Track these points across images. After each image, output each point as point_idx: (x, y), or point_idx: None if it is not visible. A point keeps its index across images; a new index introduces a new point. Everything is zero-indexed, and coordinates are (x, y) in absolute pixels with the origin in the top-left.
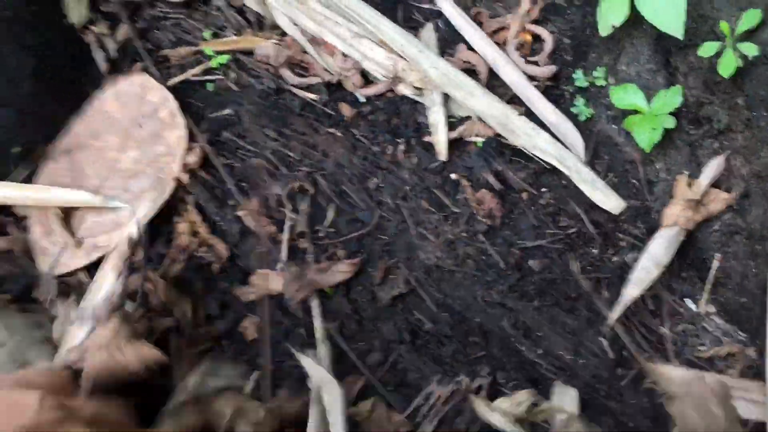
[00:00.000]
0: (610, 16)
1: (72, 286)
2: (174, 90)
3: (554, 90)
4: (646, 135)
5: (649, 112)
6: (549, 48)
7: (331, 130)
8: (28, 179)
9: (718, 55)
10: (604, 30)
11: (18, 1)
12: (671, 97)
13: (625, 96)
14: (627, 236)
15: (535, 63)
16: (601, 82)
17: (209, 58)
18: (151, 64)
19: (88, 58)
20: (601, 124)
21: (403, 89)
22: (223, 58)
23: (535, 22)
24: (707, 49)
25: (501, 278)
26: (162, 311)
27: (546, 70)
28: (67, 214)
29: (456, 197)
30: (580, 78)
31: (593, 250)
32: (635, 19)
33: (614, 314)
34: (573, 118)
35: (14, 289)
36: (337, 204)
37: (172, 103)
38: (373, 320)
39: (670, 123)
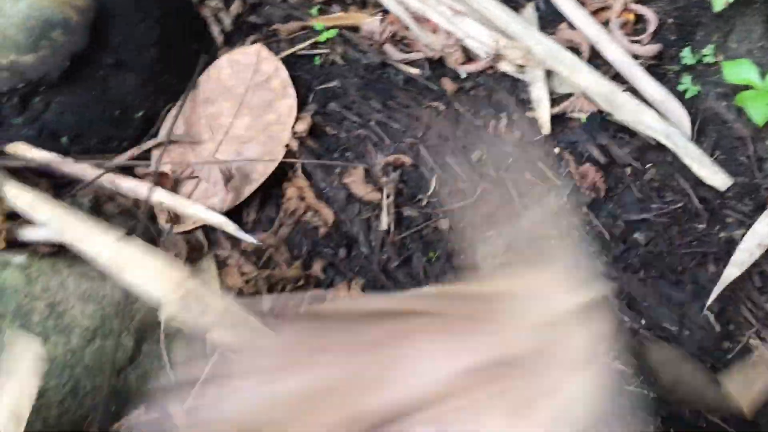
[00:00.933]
0: None
1: (191, 242)
2: (284, 62)
3: (658, 69)
4: (760, 110)
5: (763, 87)
6: (653, 27)
7: (434, 103)
8: (148, 139)
9: None
10: (718, 5)
11: None
12: None
13: (739, 71)
14: (734, 213)
15: (638, 42)
16: (709, 60)
17: (318, 32)
18: (262, 38)
19: (205, 30)
20: (708, 101)
21: (505, 66)
22: (331, 33)
23: (639, 1)
24: None
25: (605, 249)
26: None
27: (650, 49)
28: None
29: (559, 170)
30: (687, 56)
31: (699, 226)
32: None
33: (714, 293)
34: (678, 95)
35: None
36: (440, 175)
37: (284, 74)
38: None
39: None
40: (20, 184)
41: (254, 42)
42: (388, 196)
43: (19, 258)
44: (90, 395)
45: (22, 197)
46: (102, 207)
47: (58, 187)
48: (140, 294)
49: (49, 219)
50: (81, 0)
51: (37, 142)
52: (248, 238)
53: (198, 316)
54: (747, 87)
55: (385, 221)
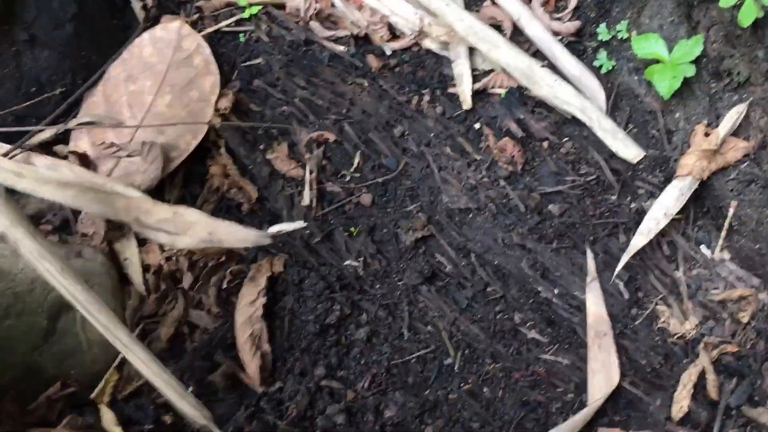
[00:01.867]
0: None
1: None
2: (207, 40)
3: (577, 45)
4: (666, 83)
5: (669, 61)
6: (573, 4)
7: (359, 80)
8: (66, 116)
9: (738, 6)
10: None
11: None
12: (692, 47)
13: (647, 45)
14: (645, 184)
15: (559, 19)
16: (623, 35)
17: (242, 9)
18: (185, 15)
19: (126, 6)
20: (622, 76)
21: (429, 43)
22: (255, 10)
23: None
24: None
25: (521, 221)
26: None
27: (570, 26)
28: None
29: (479, 145)
30: (603, 31)
31: (612, 197)
32: None
33: (622, 261)
34: (595, 71)
35: (55, 221)
36: (363, 150)
37: (206, 51)
38: (396, 261)
39: (690, 71)
40: None
41: (177, 19)
42: (311, 172)
43: None
44: (4, 373)
45: None
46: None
47: None
48: None
49: None
50: None
51: None
52: None
53: None
54: (656, 61)
55: (307, 197)
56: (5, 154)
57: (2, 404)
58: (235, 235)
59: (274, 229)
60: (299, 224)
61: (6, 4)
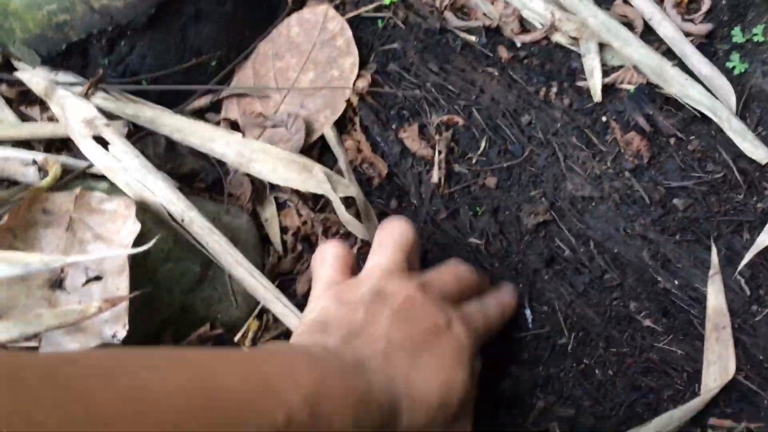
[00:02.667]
0: None
1: (255, 184)
2: (349, 23)
3: (708, 47)
4: None
5: None
6: (706, 7)
7: (489, 69)
8: (219, 86)
9: None
10: None
11: None
12: None
13: None
14: None
15: (691, 21)
16: (759, 39)
17: None
18: (329, 1)
19: None
20: (755, 78)
21: (559, 38)
22: None
23: None
24: None
25: (644, 212)
26: None
27: (702, 28)
28: None
29: (605, 137)
30: (738, 34)
31: (738, 196)
32: None
33: (746, 258)
34: (726, 73)
35: (207, 180)
36: (490, 136)
37: (349, 33)
38: (517, 242)
39: None
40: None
41: (324, 2)
42: (440, 153)
43: (102, 185)
44: (165, 310)
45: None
46: (175, 146)
47: (136, 125)
48: None
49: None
50: None
51: (120, 83)
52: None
53: None
54: None
55: (436, 175)
56: (175, 111)
57: (164, 336)
58: None
59: None
60: None
61: None
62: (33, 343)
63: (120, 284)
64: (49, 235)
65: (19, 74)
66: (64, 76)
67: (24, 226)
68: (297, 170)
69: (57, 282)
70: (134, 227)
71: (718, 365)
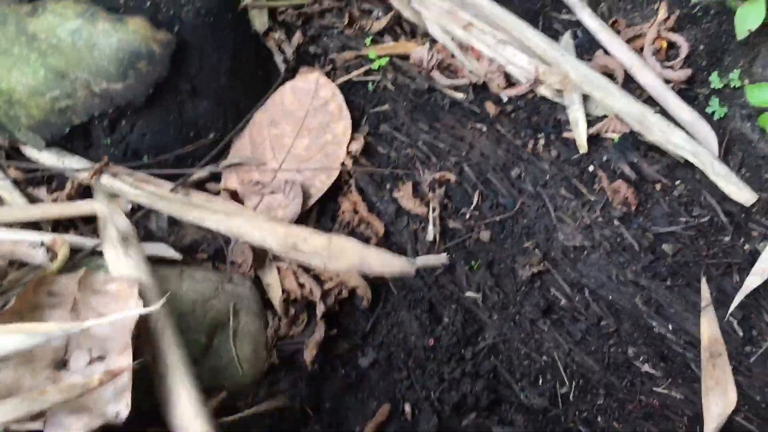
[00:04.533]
0: (747, 21)
1: (255, 251)
2: (340, 88)
3: (688, 92)
4: None
5: None
6: (684, 53)
7: (477, 125)
8: (218, 158)
9: None
10: (741, 34)
11: (219, 10)
12: None
13: (761, 94)
14: (759, 227)
15: (671, 68)
16: (736, 83)
17: (371, 61)
18: (320, 66)
19: (270, 59)
20: (735, 122)
21: (543, 90)
22: (383, 61)
23: (672, 30)
24: None
25: (635, 259)
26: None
27: (681, 74)
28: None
29: (593, 186)
30: (715, 80)
31: (725, 238)
32: None
33: (736, 300)
34: (707, 117)
35: (209, 250)
36: (482, 190)
37: (340, 98)
38: (513, 294)
39: None
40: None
41: (315, 70)
42: (434, 210)
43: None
44: None
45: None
46: (177, 219)
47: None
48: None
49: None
50: (163, 34)
51: (122, 160)
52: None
53: None
54: None
55: (431, 232)
56: (171, 190)
57: None
58: (384, 262)
59: (420, 260)
60: (443, 258)
61: (175, 61)
62: (38, 425)
63: (122, 362)
64: (55, 317)
65: (30, 154)
66: (69, 161)
67: (30, 309)
68: (282, 237)
69: (61, 363)
70: (137, 305)
71: (718, 391)
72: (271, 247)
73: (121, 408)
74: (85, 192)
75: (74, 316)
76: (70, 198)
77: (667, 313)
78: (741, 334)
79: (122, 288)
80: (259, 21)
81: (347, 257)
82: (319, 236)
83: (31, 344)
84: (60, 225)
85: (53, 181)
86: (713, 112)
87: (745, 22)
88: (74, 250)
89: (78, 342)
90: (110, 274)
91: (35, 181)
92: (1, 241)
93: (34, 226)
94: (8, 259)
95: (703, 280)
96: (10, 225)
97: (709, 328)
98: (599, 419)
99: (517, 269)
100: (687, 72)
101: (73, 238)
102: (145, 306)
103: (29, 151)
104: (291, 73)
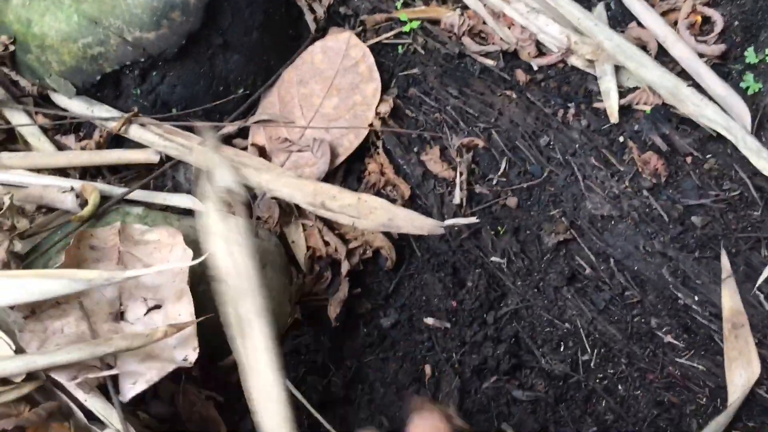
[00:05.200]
0: None
1: (282, 206)
2: (370, 50)
3: (722, 67)
4: None
5: None
6: (719, 28)
7: (507, 92)
8: (246, 113)
9: None
10: None
11: None
12: None
13: None
14: None
15: (704, 42)
16: None
17: (402, 24)
18: (350, 28)
19: (300, 18)
20: None
21: (575, 60)
22: (414, 25)
23: (707, 4)
24: None
25: (663, 230)
26: None
27: (715, 48)
28: None
29: (623, 157)
30: (751, 55)
31: (755, 213)
32: None
33: (764, 274)
34: (740, 92)
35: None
36: (510, 157)
37: (370, 59)
38: (538, 261)
39: None
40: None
41: (346, 31)
42: (461, 174)
43: (137, 209)
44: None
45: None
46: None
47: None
48: None
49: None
50: None
51: (150, 111)
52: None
53: None
54: None
55: (458, 196)
56: (200, 144)
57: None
58: (413, 222)
59: (449, 221)
60: (471, 220)
61: (208, 13)
62: (113, 371)
63: (182, 309)
64: (103, 270)
65: (59, 102)
66: (99, 110)
67: (77, 265)
68: (311, 194)
69: (118, 314)
70: (186, 253)
71: (741, 362)
72: (299, 203)
73: (189, 353)
74: (113, 141)
75: (122, 267)
76: (99, 146)
77: (693, 284)
78: (767, 308)
79: (163, 237)
80: None
81: (376, 216)
82: (348, 194)
83: (74, 289)
84: (88, 173)
85: (81, 129)
86: (747, 88)
87: None
88: (104, 198)
89: (130, 292)
90: (147, 227)
91: (63, 128)
92: (31, 185)
93: (62, 172)
94: (37, 203)
95: (723, 252)
96: (38, 171)
97: (730, 299)
98: (620, 387)
99: (542, 236)
100: (721, 47)
101: (101, 185)
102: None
103: (58, 99)
104: (321, 32)
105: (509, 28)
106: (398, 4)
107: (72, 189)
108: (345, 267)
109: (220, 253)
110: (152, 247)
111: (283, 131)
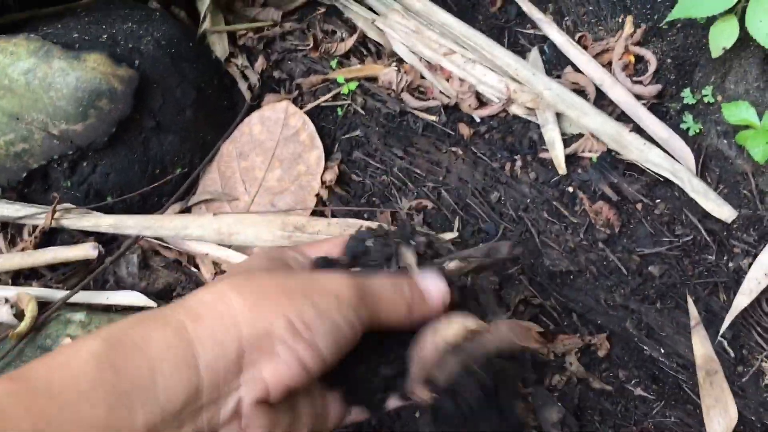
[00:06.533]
0: (721, 38)
1: None
2: (308, 114)
3: (659, 107)
4: (759, 149)
5: (761, 127)
6: (653, 68)
7: (453, 148)
8: (186, 194)
9: None
10: (716, 51)
11: (179, 39)
12: None
13: (738, 112)
14: (741, 243)
15: (640, 83)
16: (709, 99)
17: (338, 84)
18: (286, 92)
19: (234, 87)
20: (710, 138)
21: (516, 109)
22: (352, 85)
23: (638, 43)
24: None
25: (623, 282)
26: None
27: (652, 89)
28: None
29: (575, 209)
30: (688, 96)
31: (709, 257)
32: (743, 41)
33: (726, 321)
34: (681, 133)
35: (184, 293)
36: (462, 216)
37: (311, 127)
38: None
39: None
40: None
41: (278, 96)
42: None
43: (79, 315)
44: None
45: None
46: (149, 261)
47: (105, 243)
48: None
49: None
50: (125, 70)
51: (84, 201)
52: None
53: None
54: (747, 126)
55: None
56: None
57: None
58: None
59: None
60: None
61: (137, 97)
62: None
63: None
64: None
65: None
66: (25, 209)
67: None
68: (279, 226)
69: None
70: None
71: (718, 409)
72: (269, 239)
73: None
74: (46, 236)
75: None
76: (36, 246)
77: (658, 336)
78: (733, 354)
79: None
80: (220, 47)
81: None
82: (316, 220)
83: None
84: (20, 275)
85: (8, 228)
86: (687, 128)
87: (720, 40)
88: (42, 304)
89: None
90: None
91: None
92: None
93: None
94: None
95: (690, 301)
96: None
97: (702, 347)
98: None
99: (503, 296)
100: (657, 87)
101: (37, 291)
102: None
103: None
104: (257, 100)
105: (447, 80)
106: (333, 64)
107: (6, 300)
108: None
109: None
110: None
111: (226, 209)
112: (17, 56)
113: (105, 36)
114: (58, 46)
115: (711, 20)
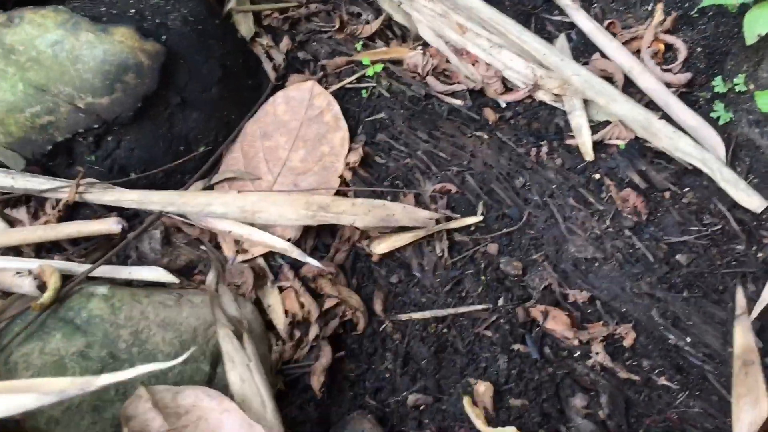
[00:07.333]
0: (757, 25)
1: (255, 270)
2: (332, 96)
3: (689, 96)
4: None
5: None
6: (682, 56)
7: (478, 132)
8: (209, 172)
9: None
10: (750, 38)
11: (206, 17)
12: None
13: None
14: None
15: (670, 71)
16: (741, 88)
17: (365, 67)
18: (311, 73)
19: (259, 67)
20: (741, 128)
21: (542, 95)
22: (378, 67)
23: (668, 31)
24: None
25: (649, 270)
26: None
27: (681, 77)
28: None
29: (601, 195)
30: (719, 84)
31: (738, 247)
32: None
33: (755, 311)
34: (711, 122)
35: (206, 270)
36: (486, 200)
37: (336, 108)
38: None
39: None
40: None
41: (303, 76)
42: (437, 222)
43: (102, 288)
44: None
45: None
46: (171, 237)
47: (127, 219)
48: None
49: None
50: (152, 45)
51: (107, 176)
52: (312, 261)
53: None
54: None
55: (438, 247)
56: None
57: None
58: (410, 215)
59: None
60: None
61: (164, 72)
62: None
63: None
64: None
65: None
66: (49, 182)
67: None
68: (303, 205)
69: None
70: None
71: (749, 399)
72: (293, 218)
73: None
74: (71, 211)
75: None
76: (59, 219)
77: (684, 325)
78: (760, 345)
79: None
80: (245, 26)
81: (375, 213)
82: (341, 200)
83: (44, 402)
84: (42, 248)
85: (30, 201)
86: (718, 117)
87: (755, 27)
88: (65, 277)
89: None
90: None
91: (13, 202)
92: None
93: (15, 250)
94: None
95: (739, 288)
96: None
97: (743, 336)
98: None
99: (527, 283)
100: (687, 75)
101: (60, 263)
102: None
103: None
104: (281, 80)
105: (473, 65)
106: (358, 46)
107: (29, 272)
108: (315, 331)
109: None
110: (196, 416)
111: (249, 187)
112: (45, 28)
113: (133, 10)
114: (86, 18)
115: (744, 8)
